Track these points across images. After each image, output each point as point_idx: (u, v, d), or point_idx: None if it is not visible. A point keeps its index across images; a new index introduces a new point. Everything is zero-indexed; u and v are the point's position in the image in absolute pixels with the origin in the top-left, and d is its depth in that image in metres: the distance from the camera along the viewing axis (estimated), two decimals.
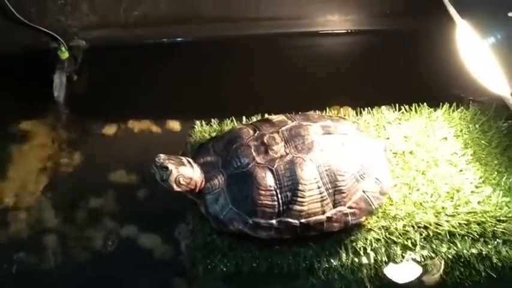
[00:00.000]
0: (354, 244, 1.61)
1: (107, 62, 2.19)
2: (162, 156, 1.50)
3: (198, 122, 1.84)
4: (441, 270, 1.59)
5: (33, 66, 2.17)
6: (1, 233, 1.68)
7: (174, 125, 1.98)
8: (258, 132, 1.57)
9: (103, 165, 1.85)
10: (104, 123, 1.98)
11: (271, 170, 1.50)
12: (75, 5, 2.14)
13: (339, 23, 2.32)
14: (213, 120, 1.85)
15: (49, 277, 1.59)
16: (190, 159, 1.55)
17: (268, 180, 1.49)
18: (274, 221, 1.50)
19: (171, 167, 1.48)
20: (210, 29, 2.24)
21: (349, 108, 1.95)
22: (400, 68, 2.28)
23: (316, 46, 2.42)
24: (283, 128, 1.58)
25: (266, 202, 1.49)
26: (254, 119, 1.79)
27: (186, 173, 1.50)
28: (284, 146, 1.54)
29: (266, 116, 1.77)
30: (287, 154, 1.53)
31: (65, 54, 2.17)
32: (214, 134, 1.83)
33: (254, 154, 1.48)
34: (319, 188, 1.52)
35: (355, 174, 1.56)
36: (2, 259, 1.61)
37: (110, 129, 1.97)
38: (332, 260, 1.59)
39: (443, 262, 1.59)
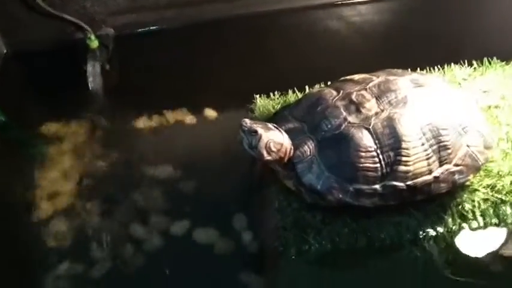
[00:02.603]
0: (460, 207, 1.44)
1: (137, 49, 2.08)
2: (247, 120, 1.32)
3: (257, 96, 1.74)
4: None
5: (61, 61, 2.04)
6: (42, 241, 1.52)
7: (210, 112, 1.83)
8: (342, 91, 1.42)
9: (142, 159, 1.70)
10: (140, 115, 1.83)
11: (368, 129, 1.34)
12: None
13: None
14: (271, 94, 1.72)
15: (101, 285, 1.42)
16: (275, 125, 1.37)
17: (367, 140, 1.33)
18: (377, 186, 1.33)
19: (260, 131, 1.30)
20: (240, 6, 2.13)
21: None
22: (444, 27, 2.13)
23: (350, 17, 2.26)
24: (370, 85, 1.42)
25: (367, 165, 1.32)
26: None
27: (276, 138, 1.33)
28: (376, 102, 1.38)
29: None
30: (382, 110, 1.36)
31: (94, 43, 2.01)
32: (278, 106, 1.70)
33: (345, 114, 1.34)
34: (423, 144, 1.35)
35: (457, 128, 1.39)
36: (46, 270, 1.44)
37: (146, 121, 1.82)
38: (438, 228, 1.42)
39: None
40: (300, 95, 1.69)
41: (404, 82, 1.42)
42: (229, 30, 2.15)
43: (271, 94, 1.74)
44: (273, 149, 1.32)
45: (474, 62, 1.81)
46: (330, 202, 1.33)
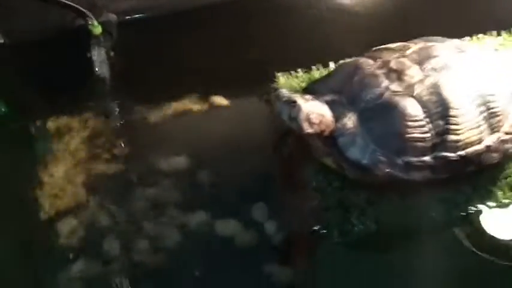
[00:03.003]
0: (510, 179, 1.34)
1: (141, 35, 1.96)
2: (284, 90, 1.24)
3: (279, 75, 1.66)
4: None
5: (63, 49, 1.90)
6: (53, 241, 1.41)
7: (220, 99, 1.74)
8: (379, 60, 1.34)
9: (154, 151, 1.60)
10: (148, 104, 1.73)
11: (413, 97, 1.25)
12: None
13: None
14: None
15: (119, 285, 1.31)
16: (311, 96, 1.28)
17: (412, 108, 1.24)
18: (428, 158, 1.24)
19: (299, 101, 1.21)
20: None
21: None
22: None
23: None
24: (409, 52, 1.34)
25: (415, 135, 1.23)
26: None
27: (317, 109, 1.24)
28: (419, 69, 1.30)
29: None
30: (426, 77, 1.28)
31: (98, 29, 1.88)
32: (304, 84, 1.60)
33: (386, 82, 1.26)
34: (472, 112, 1.26)
35: (505, 93, 1.31)
36: (59, 271, 1.34)
37: (155, 111, 1.72)
38: (489, 203, 1.33)
39: None
40: (324, 71, 1.64)
41: (445, 48, 1.35)
42: (237, 12, 2.04)
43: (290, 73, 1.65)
44: (315, 121, 1.23)
45: (503, 33, 1.74)
46: (377, 177, 1.24)
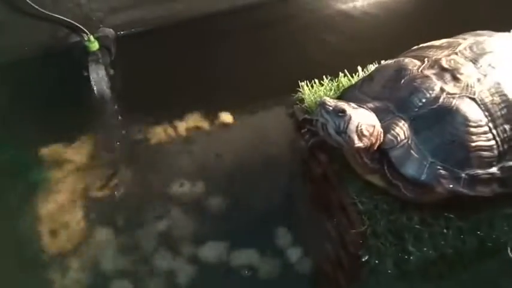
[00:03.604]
0: None
1: (141, 50, 1.87)
2: (328, 98, 1.07)
3: (303, 84, 1.53)
4: None
5: (57, 68, 1.81)
6: (54, 285, 1.28)
7: (227, 117, 1.65)
8: (426, 59, 1.19)
9: (159, 176, 1.51)
10: (152, 125, 1.64)
11: (473, 99, 1.10)
12: None
13: None
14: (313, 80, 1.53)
15: None
16: (358, 104, 1.11)
17: (474, 112, 1.09)
18: (495, 169, 1.09)
19: (349, 110, 1.05)
20: None
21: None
22: None
23: None
24: (460, 48, 1.20)
25: (480, 143, 1.09)
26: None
27: (367, 119, 1.08)
28: (474, 66, 1.15)
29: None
30: (485, 76, 1.13)
31: (94, 45, 1.79)
32: (331, 93, 1.46)
33: (440, 84, 1.13)
34: None
35: None
36: None
37: (159, 132, 1.63)
38: None
39: None
40: (354, 78, 1.49)
41: (498, 42, 1.20)
42: (237, 22, 1.93)
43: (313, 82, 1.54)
44: (365, 132, 1.07)
45: None
46: (437, 196, 1.10)
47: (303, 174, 1.45)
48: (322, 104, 1.05)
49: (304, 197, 1.42)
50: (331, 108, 1.04)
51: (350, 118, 1.05)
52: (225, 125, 1.61)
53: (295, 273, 1.23)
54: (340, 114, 1.04)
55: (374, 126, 1.08)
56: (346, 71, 1.52)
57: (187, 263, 1.28)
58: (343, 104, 1.06)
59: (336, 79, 1.51)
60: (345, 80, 1.50)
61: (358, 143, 1.06)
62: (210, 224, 1.36)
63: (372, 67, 1.48)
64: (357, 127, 1.05)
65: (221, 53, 1.82)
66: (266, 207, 1.35)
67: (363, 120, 1.06)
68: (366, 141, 1.07)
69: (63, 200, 1.44)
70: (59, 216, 1.40)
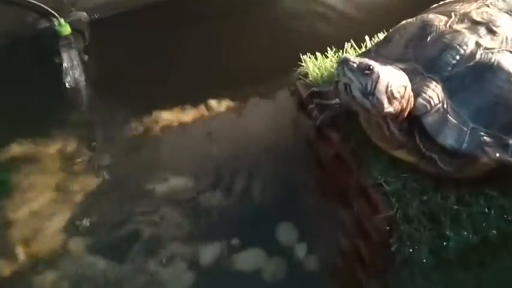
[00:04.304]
0: None
1: (116, 34, 1.76)
2: (350, 56, 0.94)
3: (305, 57, 1.40)
4: None
5: (25, 57, 1.69)
6: None
7: (218, 103, 1.56)
8: (454, 13, 1.08)
9: (145, 173, 1.40)
10: (132, 116, 1.54)
11: None
12: None
13: None
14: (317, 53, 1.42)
15: None
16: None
17: None
18: None
19: (377, 67, 0.91)
20: None
21: None
22: None
23: None
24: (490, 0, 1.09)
25: None
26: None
27: (398, 78, 0.94)
28: (511, 18, 1.05)
29: None
30: None
31: (66, 29, 1.67)
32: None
33: (475, 38, 1.02)
34: None
35: None
36: None
37: (141, 123, 1.54)
38: None
39: None
40: (359, 50, 1.37)
41: None
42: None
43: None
44: (396, 94, 0.93)
45: None
46: (481, 168, 0.98)
47: (309, 158, 1.34)
48: (345, 61, 0.91)
49: (312, 184, 1.32)
50: (355, 65, 0.90)
51: (378, 76, 0.91)
52: (218, 112, 1.54)
53: (304, 272, 1.16)
54: (366, 72, 0.90)
55: (405, 87, 0.94)
56: (352, 41, 1.39)
57: (183, 268, 1.20)
58: (368, 61, 0.92)
59: (342, 51, 1.37)
60: (352, 51, 1.35)
61: (388, 107, 0.93)
62: (207, 222, 1.28)
63: (382, 35, 1.35)
64: (387, 87, 0.92)
65: (207, 34, 1.72)
66: (268, 200, 1.27)
67: (393, 80, 0.93)
68: (396, 105, 0.94)
69: (35, 202, 1.35)
70: (33, 221, 1.30)
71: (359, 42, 1.44)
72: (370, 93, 0.92)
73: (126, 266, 1.21)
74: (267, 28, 1.75)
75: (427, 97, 0.97)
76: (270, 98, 1.54)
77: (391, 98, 0.93)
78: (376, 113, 0.95)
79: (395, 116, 0.96)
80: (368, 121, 1.02)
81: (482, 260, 1.04)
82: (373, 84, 0.91)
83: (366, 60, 0.92)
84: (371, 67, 0.91)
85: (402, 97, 0.94)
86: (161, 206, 1.31)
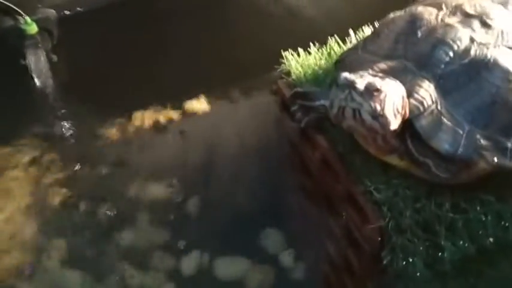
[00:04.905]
0: None
1: (86, 31, 1.71)
2: (347, 75, 0.88)
3: (286, 54, 1.35)
4: None
5: None
6: None
7: (195, 104, 1.51)
8: (445, 6, 1.03)
9: (122, 179, 1.38)
10: (106, 118, 1.51)
11: None
12: None
13: None
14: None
15: None
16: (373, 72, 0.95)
17: None
18: None
19: (383, 86, 0.87)
20: None
21: None
22: None
23: None
24: None
25: None
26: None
27: (396, 90, 0.90)
28: (505, 9, 1.00)
29: None
30: None
31: (32, 27, 1.62)
32: (322, 62, 1.29)
33: (468, 32, 0.96)
34: None
35: None
36: None
37: (115, 126, 1.50)
38: None
39: None
40: (343, 45, 1.32)
41: None
42: None
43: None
44: (400, 109, 0.89)
45: None
46: (477, 173, 0.93)
47: (294, 162, 1.29)
48: (351, 85, 0.86)
49: (297, 189, 1.28)
50: (362, 87, 0.85)
51: (386, 95, 0.86)
52: (195, 114, 1.50)
53: (289, 282, 1.12)
54: (375, 93, 0.86)
55: (403, 97, 0.89)
56: (336, 36, 1.35)
57: (163, 277, 1.17)
58: (371, 79, 0.87)
59: (325, 46, 1.33)
60: (336, 46, 1.31)
61: (394, 124, 0.88)
62: (187, 230, 1.24)
63: (368, 30, 1.30)
64: (393, 105, 0.87)
65: (181, 31, 1.68)
66: (251, 205, 1.24)
67: (395, 94, 0.88)
68: (399, 119, 0.90)
69: (7, 212, 1.31)
70: (5, 232, 1.26)
71: (343, 36, 1.38)
72: (379, 114, 0.87)
73: (104, 277, 1.18)
74: (245, 24, 1.70)
75: (420, 98, 0.91)
76: (251, 97, 1.50)
77: (396, 114, 0.89)
78: (383, 132, 0.90)
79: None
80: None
81: (478, 270, 0.99)
82: (382, 104, 0.87)
83: (373, 81, 0.87)
84: (379, 87, 0.86)
85: (403, 108, 0.90)
86: (139, 214, 1.28)
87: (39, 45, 1.61)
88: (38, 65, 1.60)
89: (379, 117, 0.88)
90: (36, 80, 1.59)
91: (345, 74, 0.87)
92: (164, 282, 1.16)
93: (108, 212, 1.31)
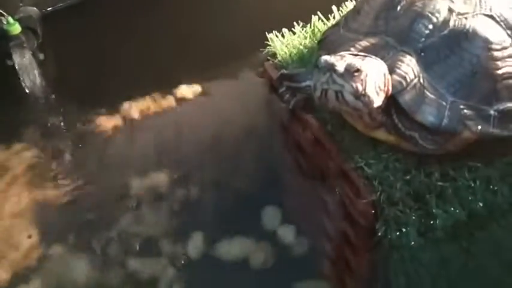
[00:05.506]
0: None
1: (71, 28, 1.71)
2: (327, 57, 0.88)
3: (271, 36, 1.35)
4: None
5: None
6: None
7: (184, 91, 1.51)
8: None
9: (121, 170, 1.37)
10: (99, 113, 1.50)
11: (490, 16, 0.95)
12: None
13: None
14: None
15: None
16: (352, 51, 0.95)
17: (496, 32, 0.93)
18: None
19: (363, 66, 0.87)
20: None
21: None
22: None
23: None
24: None
25: (509, 69, 0.91)
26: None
27: (377, 69, 0.90)
28: None
29: None
30: None
31: (15, 27, 1.60)
32: (307, 41, 1.29)
33: (447, 3, 0.96)
34: None
35: None
36: None
37: (110, 119, 1.49)
38: None
39: None
40: (327, 22, 1.32)
41: None
42: None
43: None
44: (382, 86, 0.90)
45: None
46: (463, 142, 0.93)
47: (287, 142, 1.30)
48: (331, 67, 0.86)
49: (292, 167, 1.28)
50: (342, 69, 0.85)
51: (367, 75, 0.87)
52: (185, 101, 1.49)
53: (291, 258, 1.13)
54: (355, 74, 0.86)
55: (385, 74, 0.90)
56: (319, 13, 1.34)
57: (166, 263, 1.16)
58: (351, 60, 0.87)
59: (309, 25, 1.33)
60: (320, 24, 1.31)
61: (378, 102, 0.89)
62: (187, 215, 1.24)
63: (350, 4, 1.29)
64: (375, 83, 0.88)
65: (165, 19, 1.67)
66: (249, 185, 1.24)
67: (376, 72, 0.89)
68: (382, 96, 0.90)
69: (5, 217, 1.30)
70: (3, 237, 1.26)
71: (326, 13, 1.37)
72: (361, 94, 0.88)
73: (107, 266, 1.18)
74: (228, 5, 1.68)
75: (402, 73, 0.91)
76: (240, 80, 1.50)
77: (378, 91, 0.89)
78: (367, 110, 0.91)
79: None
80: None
81: (470, 234, 1.00)
82: (364, 84, 0.87)
83: (352, 62, 0.87)
84: (359, 68, 0.86)
85: (385, 85, 0.90)
86: (139, 203, 1.28)
87: (24, 45, 1.60)
88: (25, 64, 1.58)
89: (362, 96, 0.88)
90: (24, 80, 1.57)
91: (325, 57, 0.87)
92: (168, 266, 1.17)
93: (109, 204, 1.30)
